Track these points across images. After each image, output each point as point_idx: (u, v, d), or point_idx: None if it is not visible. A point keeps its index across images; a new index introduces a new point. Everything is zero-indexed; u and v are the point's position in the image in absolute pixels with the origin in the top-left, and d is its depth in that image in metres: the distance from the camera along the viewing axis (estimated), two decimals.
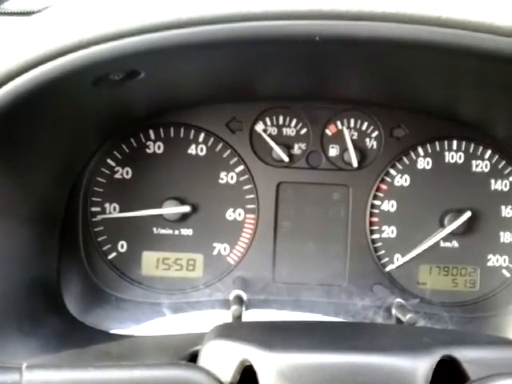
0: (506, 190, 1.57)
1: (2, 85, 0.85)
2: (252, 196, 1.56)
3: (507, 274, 1.58)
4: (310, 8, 0.76)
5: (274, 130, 1.57)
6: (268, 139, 1.55)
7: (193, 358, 0.90)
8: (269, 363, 0.78)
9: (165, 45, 0.81)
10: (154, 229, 1.55)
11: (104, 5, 0.86)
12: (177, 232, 1.56)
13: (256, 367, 0.79)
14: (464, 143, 1.56)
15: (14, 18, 1.23)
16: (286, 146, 1.56)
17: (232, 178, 1.56)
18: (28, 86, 0.87)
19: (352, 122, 1.57)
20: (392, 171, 1.57)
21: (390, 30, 0.77)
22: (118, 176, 1.54)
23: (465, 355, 0.82)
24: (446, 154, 1.56)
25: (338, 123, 1.57)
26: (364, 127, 1.57)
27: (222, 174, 1.56)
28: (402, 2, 0.78)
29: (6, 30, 0.96)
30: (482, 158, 1.56)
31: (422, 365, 0.79)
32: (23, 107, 0.92)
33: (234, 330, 0.95)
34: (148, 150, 1.55)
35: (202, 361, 0.83)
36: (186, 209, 1.52)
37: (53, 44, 0.85)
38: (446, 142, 1.56)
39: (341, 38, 0.77)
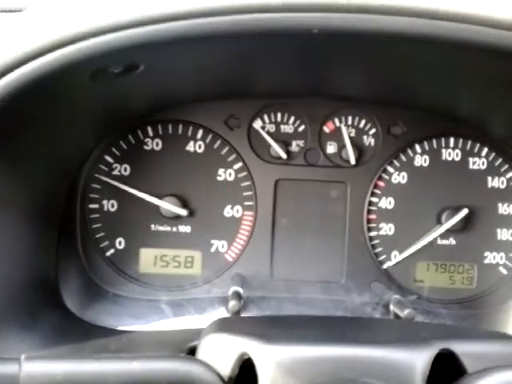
0: (502, 187, 1.57)
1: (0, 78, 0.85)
2: (250, 193, 1.56)
3: (504, 271, 1.58)
4: (310, 0, 0.76)
5: (272, 127, 1.57)
6: (266, 136, 1.55)
7: (191, 352, 0.90)
8: (268, 356, 0.78)
9: (163, 37, 0.81)
10: (152, 226, 1.55)
11: None
12: (175, 229, 1.56)
13: (255, 360, 0.79)
14: (461, 141, 1.57)
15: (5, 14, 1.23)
16: (284, 143, 1.56)
17: (230, 174, 1.56)
18: (25, 79, 0.86)
19: (350, 119, 1.57)
20: (389, 168, 1.57)
21: (389, 23, 0.77)
22: (116, 173, 1.54)
23: (462, 349, 0.83)
24: (443, 151, 1.57)
25: (336, 120, 1.57)
26: (361, 125, 1.57)
27: (220, 171, 1.56)
28: None
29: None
30: (478, 155, 1.57)
31: (420, 358, 0.80)
32: (21, 101, 0.92)
33: (233, 324, 0.95)
34: (146, 147, 1.55)
35: (201, 354, 0.84)
36: (183, 212, 1.52)
37: (49, 36, 0.84)
38: (443, 140, 1.57)
39: (339, 30, 0.77)
